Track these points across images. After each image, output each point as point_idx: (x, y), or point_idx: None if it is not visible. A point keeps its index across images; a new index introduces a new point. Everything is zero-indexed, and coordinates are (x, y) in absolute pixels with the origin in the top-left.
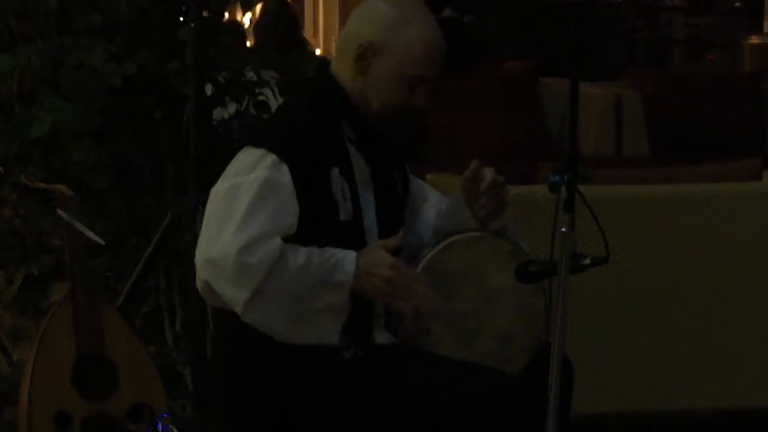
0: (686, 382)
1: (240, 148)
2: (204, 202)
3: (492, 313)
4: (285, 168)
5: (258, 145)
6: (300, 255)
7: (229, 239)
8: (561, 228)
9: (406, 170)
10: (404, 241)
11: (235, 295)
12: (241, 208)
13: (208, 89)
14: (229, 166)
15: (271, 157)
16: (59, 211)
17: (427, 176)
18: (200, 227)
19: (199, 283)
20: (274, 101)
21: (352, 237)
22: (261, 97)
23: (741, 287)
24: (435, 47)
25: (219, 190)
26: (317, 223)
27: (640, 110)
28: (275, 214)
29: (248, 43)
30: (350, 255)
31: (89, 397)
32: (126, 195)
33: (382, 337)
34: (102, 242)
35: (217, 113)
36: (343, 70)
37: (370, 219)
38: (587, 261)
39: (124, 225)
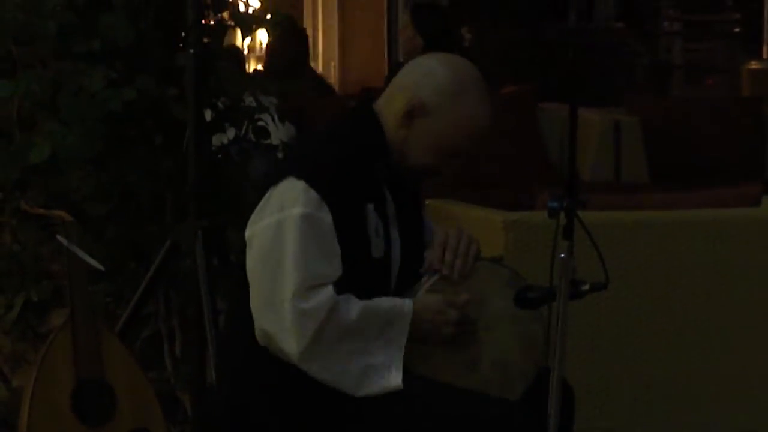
0: (686, 408)
1: (278, 176)
2: (203, 228)
3: (491, 340)
4: (326, 207)
5: (299, 177)
6: (354, 308)
7: (281, 282)
8: (560, 254)
9: (422, 213)
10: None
11: (293, 342)
12: (289, 249)
13: (208, 115)
14: (267, 198)
15: (313, 194)
16: (59, 237)
17: (427, 202)
18: (200, 253)
19: (258, 333)
20: (274, 127)
21: (382, 273)
22: (260, 123)
23: (740, 313)
24: (482, 124)
25: (265, 226)
26: (351, 258)
27: (640, 136)
28: (322, 257)
29: (249, 68)
30: (407, 308)
31: (88, 422)
32: (125, 221)
33: None
34: (101, 268)
35: (217, 139)
36: (388, 117)
37: (396, 255)
38: (586, 287)
39: (124, 251)
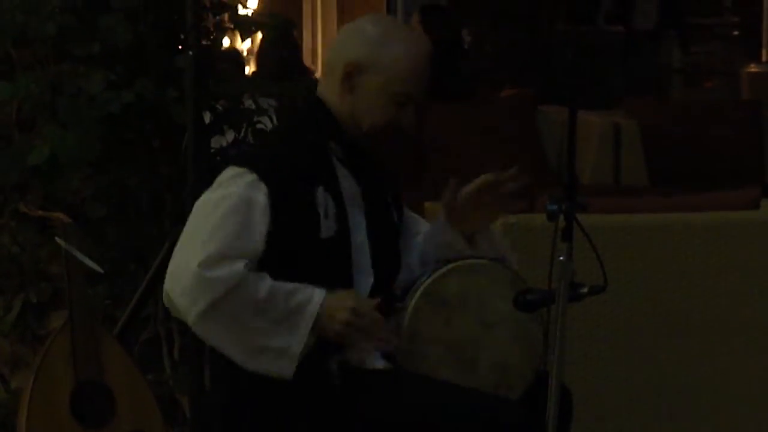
0: (686, 412)
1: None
2: None
3: (490, 341)
4: (263, 187)
5: (240, 164)
6: (264, 287)
7: (192, 251)
8: (559, 257)
9: (401, 200)
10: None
11: (188, 306)
12: (209, 223)
13: (207, 117)
14: (214, 183)
15: (250, 176)
16: (57, 239)
17: (426, 204)
18: None
19: (164, 295)
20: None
21: (336, 254)
22: (259, 125)
23: (740, 316)
24: (420, 63)
25: (197, 203)
26: (297, 241)
27: (639, 138)
28: (242, 234)
29: (248, 70)
30: (316, 297)
31: (87, 424)
32: (124, 223)
33: (379, 363)
34: (100, 270)
35: (216, 141)
36: (330, 91)
37: (360, 238)
38: (585, 290)
39: (123, 253)
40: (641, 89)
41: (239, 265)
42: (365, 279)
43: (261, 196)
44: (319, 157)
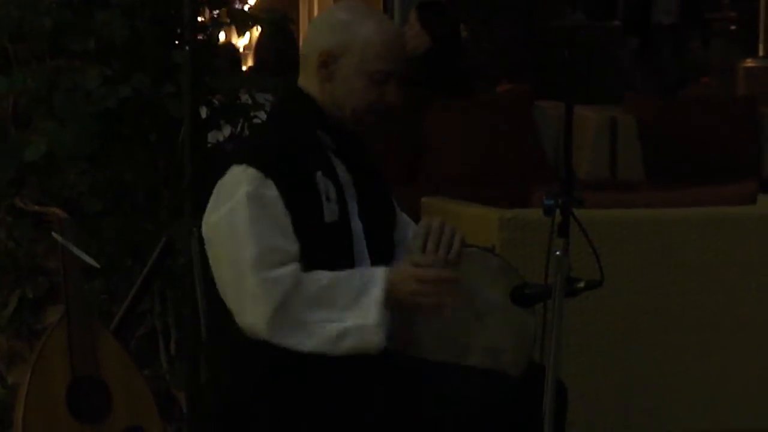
0: (682, 406)
1: (223, 169)
2: (199, 226)
3: (482, 328)
4: (270, 182)
5: (239, 162)
6: (324, 277)
7: (243, 266)
8: (555, 252)
9: (392, 200)
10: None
11: (257, 315)
12: (244, 228)
13: (203, 112)
14: (216, 191)
15: (253, 171)
16: (54, 234)
17: (422, 200)
18: (195, 251)
19: (241, 326)
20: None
21: (339, 239)
22: (256, 120)
23: (737, 310)
24: (393, 40)
25: (220, 216)
26: (303, 226)
27: (635, 133)
28: (279, 235)
29: (244, 66)
30: (378, 275)
31: (84, 420)
32: (121, 218)
33: None
34: (97, 265)
35: (212, 136)
36: (310, 82)
37: (355, 225)
38: (581, 284)
39: (119, 248)
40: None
41: (293, 266)
42: (364, 265)
43: (271, 190)
44: (311, 145)
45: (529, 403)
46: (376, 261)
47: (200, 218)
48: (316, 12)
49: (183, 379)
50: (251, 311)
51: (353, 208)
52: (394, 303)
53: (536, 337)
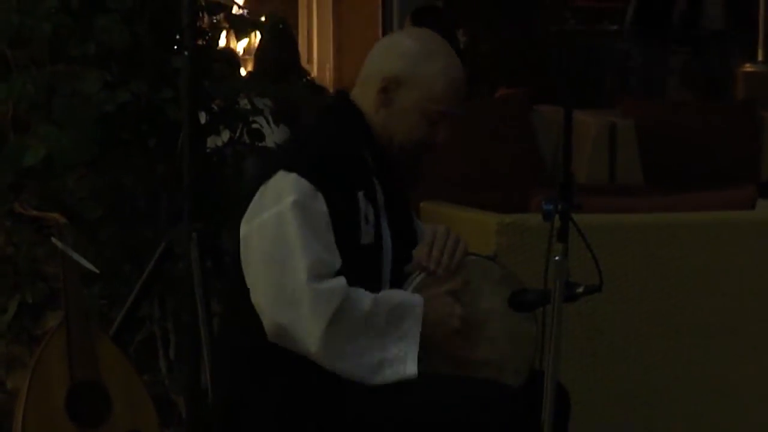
0: (682, 411)
1: (269, 172)
2: (198, 230)
3: (483, 338)
4: (320, 196)
5: (290, 169)
6: (366, 300)
7: (291, 270)
8: (554, 256)
9: (413, 215)
10: None
11: (311, 327)
12: (291, 238)
13: (202, 117)
14: (260, 194)
15: (305, 183)
16: (53, 240)
17: (421, 204)
18: (194, 256)
19: (271, 330)
20: (268, 129)
21: (372, 261)
22: (255, 125)
23: (735, 316)
24: (457, 82)
25: (264, 221)
26: (341, 245)
27: (634, 138)
28: (326, 249)
29: (244, 71)
30: (417, 301)
31: (83, 425)
32: (120, 223)
33: None
34: (96, 270)
35: (211, 141)
36: (365, 101)
37: (387, 244)
38: (581, 289)
39: (118, 253)
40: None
41: (341, 280)
42: (385, 287)
43: (321, 205)
44: (357, 162)
45: (531, 414)
46: (394, 281)
47: (199, 223)
48: (315, 18)
49: (182, 384)
50: (305, 326)
51: (385, 227)
52: (430, 333)
53: (537, 345)
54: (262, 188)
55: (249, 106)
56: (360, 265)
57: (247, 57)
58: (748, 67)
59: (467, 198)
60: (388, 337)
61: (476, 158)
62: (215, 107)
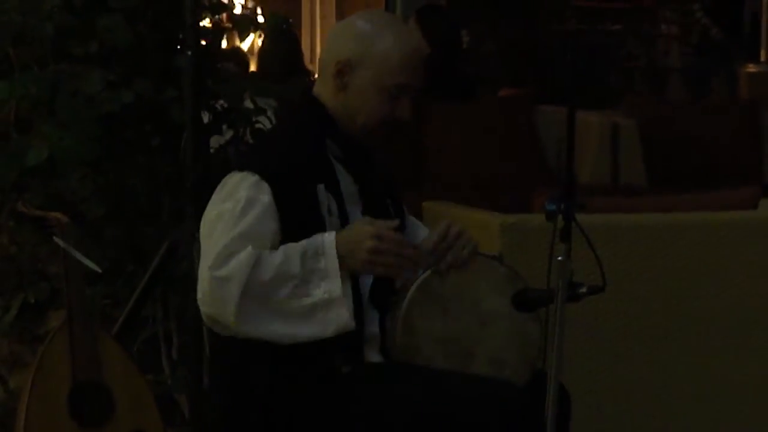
0: (685, 412)
1: (225, 174)
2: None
3: (486, 337)
4: (265, 187)
5: (241, 169)
6: (276, 254)
7: (204, 261)
8: (557, 257)
9: (401, 203)
10: None
11: (222, 314)
12: (218, 231)
13: (205, 117)
14: (215, 192)
15: (252, 178)
16: (56, 239)
17: (424, 204)
18: (197, 256)
19: (204, 318)
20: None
21: None
22: (258, 125)
23: (738, 316)
24: (412, 54)
25: (206, 219)
26: (303, 238)
27: (637, 138)
28: (249, 231)
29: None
30: (329, 237)
31: (86, 424)
32: (123, 223)
33: (374, 356)
34: (99, 270)
35: (215, 141)
36: (325, 90)
37: None
38: (584, 290)
39: (121, 253)
40: (640, 89)
41: (248, 250)
42: (366, 276)
43: (265, 196)
44: (318, 155)
45: (534, 411)
46: None
47: None
48: (318, 18)
49: (185, 384)
50: (218, 312)
51: (358, 216)
52: (350, 263)
53: (540, 346)
54: (218, 187)
55: (252, 106)
56: None
57: (249, 56)
58: (751, 68)
59: (470, 198)
60: (309, 282)
61: (479, 158)
62: (218, 107)
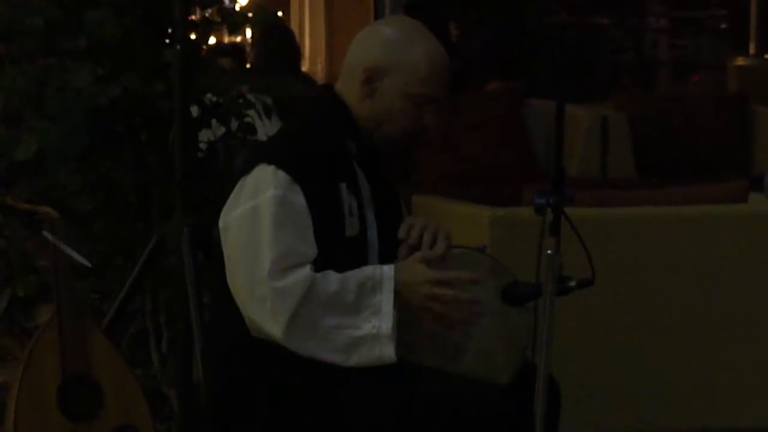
0: (673, 403)
1: (249, 168)
2: (190, 224)
3: (475, 329)
4: (298, 188)
5: (269, 162)
6: (333, 281)
7: (257, 266)
8: (547, 250)
9: (400, 200)
10: None
11: (272, 324)
12: (262, 231)
13: (194, 111)
14: (240, 187)
15: (283, 175)
16: (45, 233)
17: (413, 198)
18: (187, 249)
19: (246, 321)
20: (261, 123)
21: (356, 253)
22: (247, 119)
23: (727, 308)
24: (440, 65)
25: (240, 215)
26: (325, 238)
27: (626, 132)
28: (299, 240)
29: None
30: (387, 274)
31: (75, 418)
32: (112, 216)
33: None
34: (88, 264)
35: (204, 135)
36: (350, 94)
37: (372, 236)
38: (573, 283)
39: (110, 247)
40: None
41: (306, 269)
42: None
43: (300, 198)
44: (340, 154)
45: (522, 403)
46: None
47: (191, 217)
48: (306, 13)
49: (174, 378)
50: (268, 321)
51: (371, 219)
52: (402, 303)
53: (529, 337)
54: (241, 181)
55: (241, 100)
56: (344, 257)
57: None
58: (741, 61)
59: (459, 192)
60: (360, 314)
61: (468, 152)
62: (207, 101)
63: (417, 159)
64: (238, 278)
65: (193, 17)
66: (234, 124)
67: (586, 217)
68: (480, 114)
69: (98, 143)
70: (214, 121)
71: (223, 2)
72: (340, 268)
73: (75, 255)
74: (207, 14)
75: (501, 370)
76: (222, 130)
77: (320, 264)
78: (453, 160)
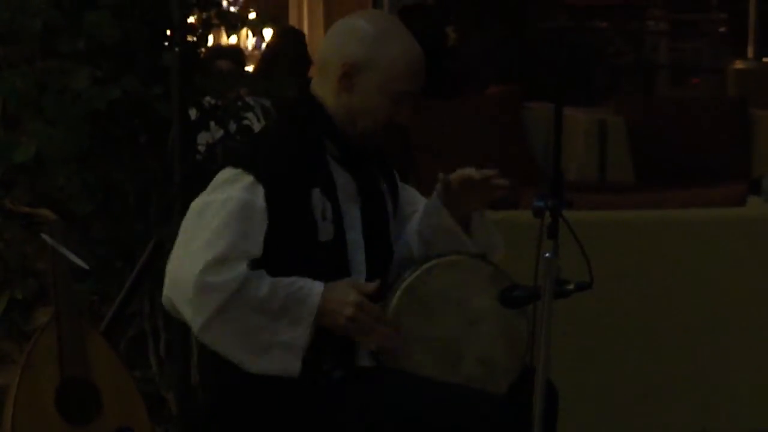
0: (671, 407)
1: (222, 166)
2: None
3: (474, 337)
4: (260, 190)
5: (236, 165)
6: (264, 285)
7: (193, 258)
8: (545, 253)
9: (396, 180)
10: (395, 254)
11: (192, 315)
12: (209, 227)
13: (193, 114)
14: (209, 185)
15: (248, 178)
16: (44, 236)
17: None
18: None
19: (164, 299)
20: (259, 126)
21: (334, 256)
22: (245, 122)
23: (725, 312)
24: (417, 60)
25: (193, 206)
26: (295, 244)
27: (625, 135)
28: (243, 239)
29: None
30: (316, 289)
31: (73, 421)
32: (110, 219)
33: (365, 360)
34: (86, 266)
35: (203, 138)
36: (325, 90)
37: (355, 235)
38: (571, 286)
39: (109, 249)
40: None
41: (241, 267)
42: (358, 276)
43: (259, 199)
44: (314, 157)
45: (521, 408)
46: (372, 269)
47: None
48: (305, 14)
49: (172, 381)
50: (187, 311)
51: (356, 216)
52: (326, 321)
53: (528, 342)
54: (212, 181)
55: (240, 103)
56: (320, 261)
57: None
58: (739, 65)
59: None
60: (280, 321)
61: (466, 155)
62: (206, 104)
63: (415, 162)
64: (174, 260)
65: (192, 20)
66: (232, 127)
67: (585, 221)
68: (479, 117)
69: (97, 146)
70: (212, 124)
71: (221, 5)
72: (315, 273)
73: (74, 258)
74: (205, 16)
75: (500, 376)
76: (220, 132)
77: (295, 268)
78: (451, 163)
